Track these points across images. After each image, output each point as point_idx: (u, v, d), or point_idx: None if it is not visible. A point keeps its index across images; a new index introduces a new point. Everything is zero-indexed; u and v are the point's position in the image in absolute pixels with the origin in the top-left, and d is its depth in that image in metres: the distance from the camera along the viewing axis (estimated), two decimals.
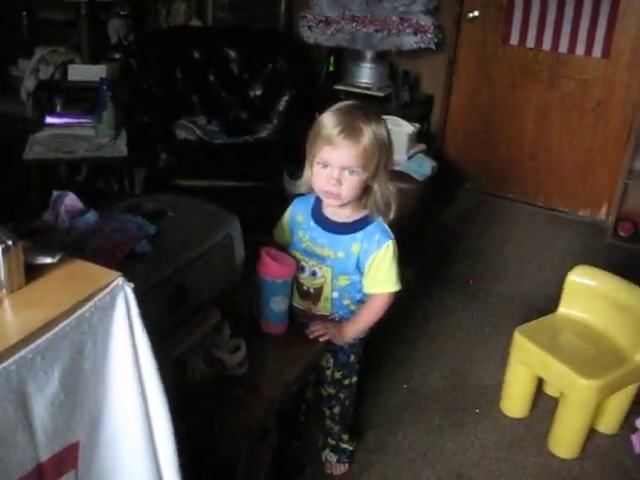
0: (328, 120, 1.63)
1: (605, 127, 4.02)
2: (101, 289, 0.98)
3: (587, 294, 2.48)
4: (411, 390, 2.65)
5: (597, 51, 3.84)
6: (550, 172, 4.27)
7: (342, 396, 2.09)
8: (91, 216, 1.38)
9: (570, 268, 2.57)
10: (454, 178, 4.42)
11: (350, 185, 1.66)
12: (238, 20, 3.97)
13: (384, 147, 1.67)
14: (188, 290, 1.46)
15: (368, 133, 1.61)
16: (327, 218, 1.81)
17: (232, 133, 3.65)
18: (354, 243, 1.78)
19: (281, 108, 3.83)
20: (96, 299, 0.97)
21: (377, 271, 1.80)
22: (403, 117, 3.67)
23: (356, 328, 1.90)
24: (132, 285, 1.01)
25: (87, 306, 0.95)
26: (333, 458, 2.23)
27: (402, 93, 4.09)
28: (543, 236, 4.02)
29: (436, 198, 3.87)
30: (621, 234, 3.94)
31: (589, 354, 2.34)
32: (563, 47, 3.91)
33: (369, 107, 1.74)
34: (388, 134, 1.70)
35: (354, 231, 1.79)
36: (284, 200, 3.28)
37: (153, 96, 3.45)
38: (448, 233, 3.97)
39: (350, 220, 1.79)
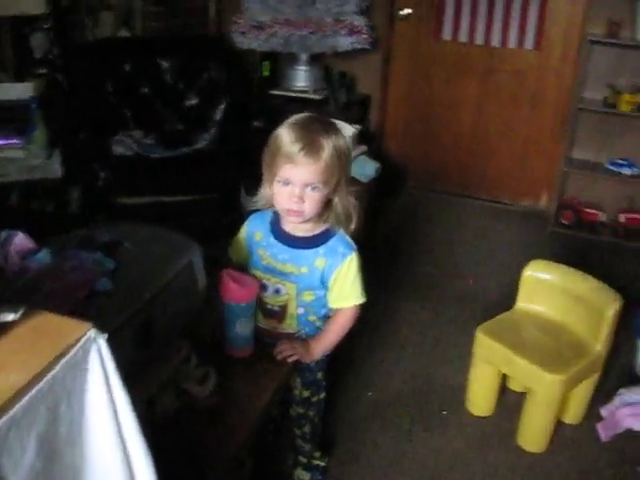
0: (286, 136, 1.57)
1: (540, 117, 4.10)
2: (72, 345, 0.89)
3: (544, 288, 2.50)
4: (376, 397, 2.62)
5: (529, 43, 3.90)
6: (489, 164, 4.32)
7: (311, 414, 2.04)
8: (44, 255, 1.28)
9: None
10: (396, 177, 4.41)
11: (312, 201, 1.61)
12: (168, 28, 3.85)
13: (344, 159, 1.63)
14: (154, 325, 1.37)
15: (329, 147, 1.56)
16: (287, 233, 1.75)
17: (169, 146, 3.55)
18: (317, 258, 1.73)
19: (218, 117, 3.75)
20: (68, 356, 0.88)
21: (343, 285, 1.75)
22: (342, 119, 3.63)
23: (324, 344, 1.85)
24: (106, 336, 0.93)
25: (59, 366, 0.87)
26: (306, 476, 2.17)
27: (339, 95, 4.06)
28: (488, 229, 4.06)
29: (380, 199, 3.86)
30: (563, 222, 4.01)
31: (551, 348, 2.35)
32: (495, 41, 3.96)
33: (325, 118, 1.69)
34: (347, 144, 1.65)
35: (316, 245, 1.74)
36: (228, 211, 3.23)
37: (86, 112, 3.31)
38: (396, 234, 3.96)
39: (311, 234, 1.74)
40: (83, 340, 0.91)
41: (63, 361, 0.87)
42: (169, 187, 3.28)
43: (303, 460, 2.16)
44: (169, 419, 1.49)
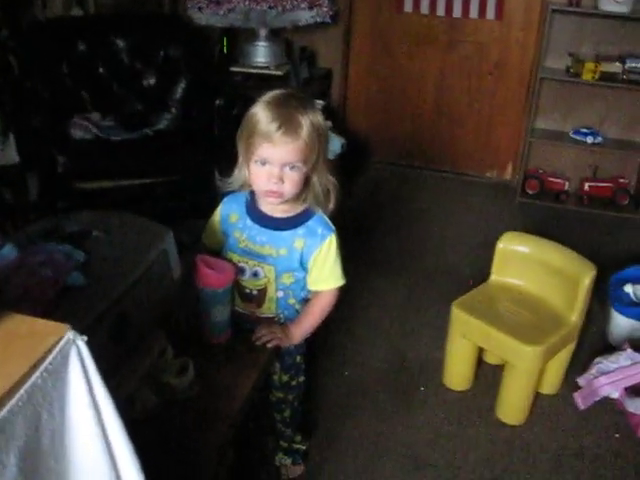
0: (263, 115, 1.50)
1: (504, 88, 4.08)
2: (50, 349, 0.83)
3: (517, 260, 2.49)
4: (352, 377, 2.59)
5: (490, 13, 3.87)
6: (454, 137, 4.30)
7: (291, 397, 2.00)
8: (9, 250, 1.20)
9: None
10: (360, 152, 4.36)
11: (292, 181, 1.55)
12: (121, 6, 3.71)
13: (322, 136, 1.58)
14: (129, 319, 1.31)
15: (306, 125, 1.50)
16: (265, 214, 1.70)
17: (129, 127, 3.43)
18: (296, 239, 1.68)
19: (178, 96, 3.64)
20: (46, 362, 0.82)
21: (322, 266, 1.70)
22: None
23: (304, 328, 1.80)
24: (85, 337, 0.86)
25: (38, 373, 0.80)
26: (287, 461, 2.15)
27: (301, 70, 3.98)
28: (455, 202, 4.04)
29: (345, 175, 3.80)
30: (529, 191, 4.02)
31: (528, 320, 2.34)
32: (457, 11, 3.92)
33: (300, 94, 1.63)
34: (324, 121, 1.60)
35: (295, 226, 1.68)
36: (194, 193, 3.15)
37: (40, 95, 3.17)
38: (363, 210, 3.92)
39: (290, 215, 1.69)
40: (62, 343, 0.85)
41: (42, 367, 0.81)
42: (131, 170, 3.19)
43: (284, 445, 2.13)
44: (150, 414, 1.43)
